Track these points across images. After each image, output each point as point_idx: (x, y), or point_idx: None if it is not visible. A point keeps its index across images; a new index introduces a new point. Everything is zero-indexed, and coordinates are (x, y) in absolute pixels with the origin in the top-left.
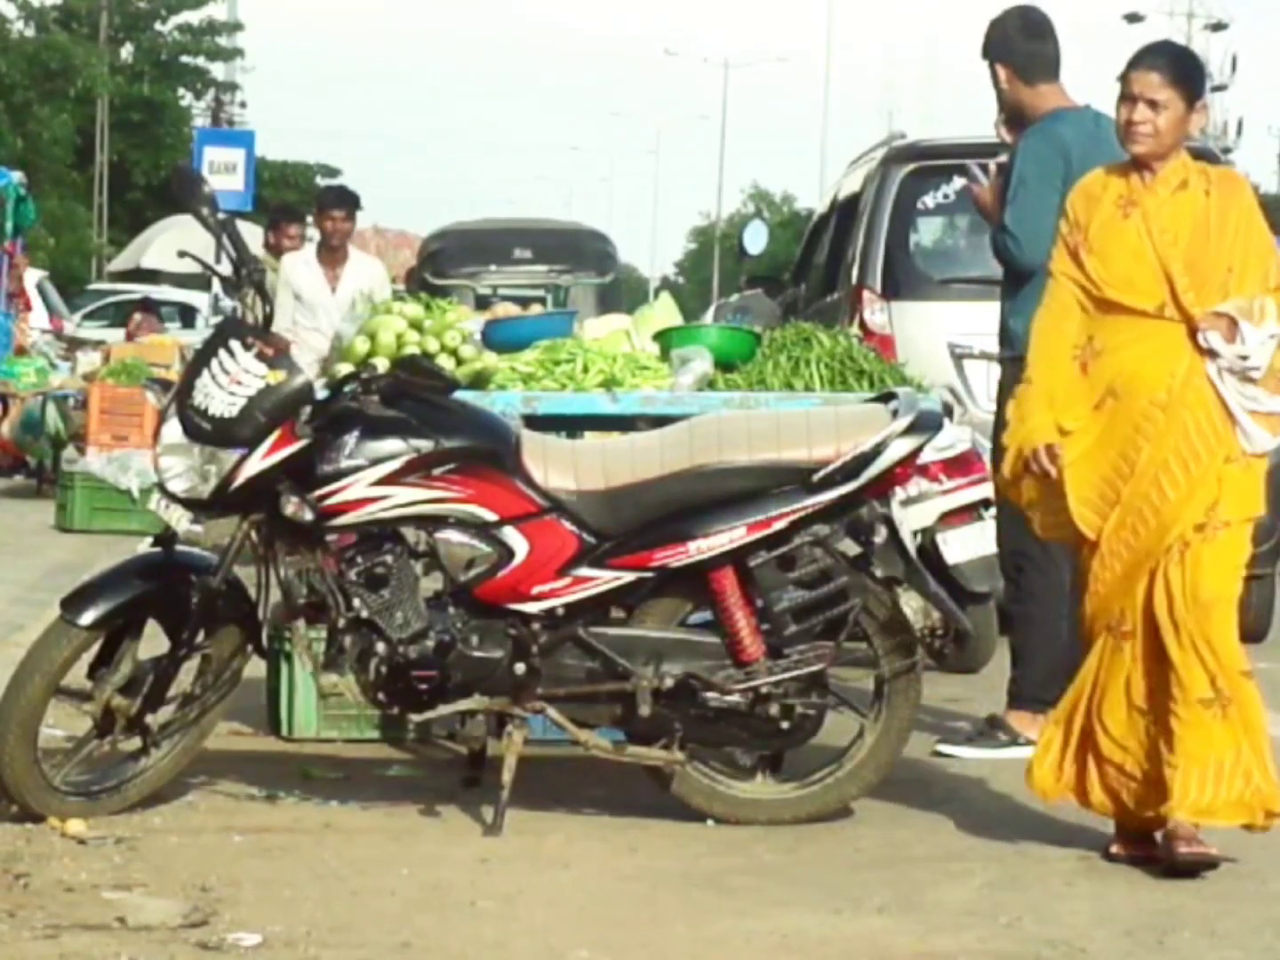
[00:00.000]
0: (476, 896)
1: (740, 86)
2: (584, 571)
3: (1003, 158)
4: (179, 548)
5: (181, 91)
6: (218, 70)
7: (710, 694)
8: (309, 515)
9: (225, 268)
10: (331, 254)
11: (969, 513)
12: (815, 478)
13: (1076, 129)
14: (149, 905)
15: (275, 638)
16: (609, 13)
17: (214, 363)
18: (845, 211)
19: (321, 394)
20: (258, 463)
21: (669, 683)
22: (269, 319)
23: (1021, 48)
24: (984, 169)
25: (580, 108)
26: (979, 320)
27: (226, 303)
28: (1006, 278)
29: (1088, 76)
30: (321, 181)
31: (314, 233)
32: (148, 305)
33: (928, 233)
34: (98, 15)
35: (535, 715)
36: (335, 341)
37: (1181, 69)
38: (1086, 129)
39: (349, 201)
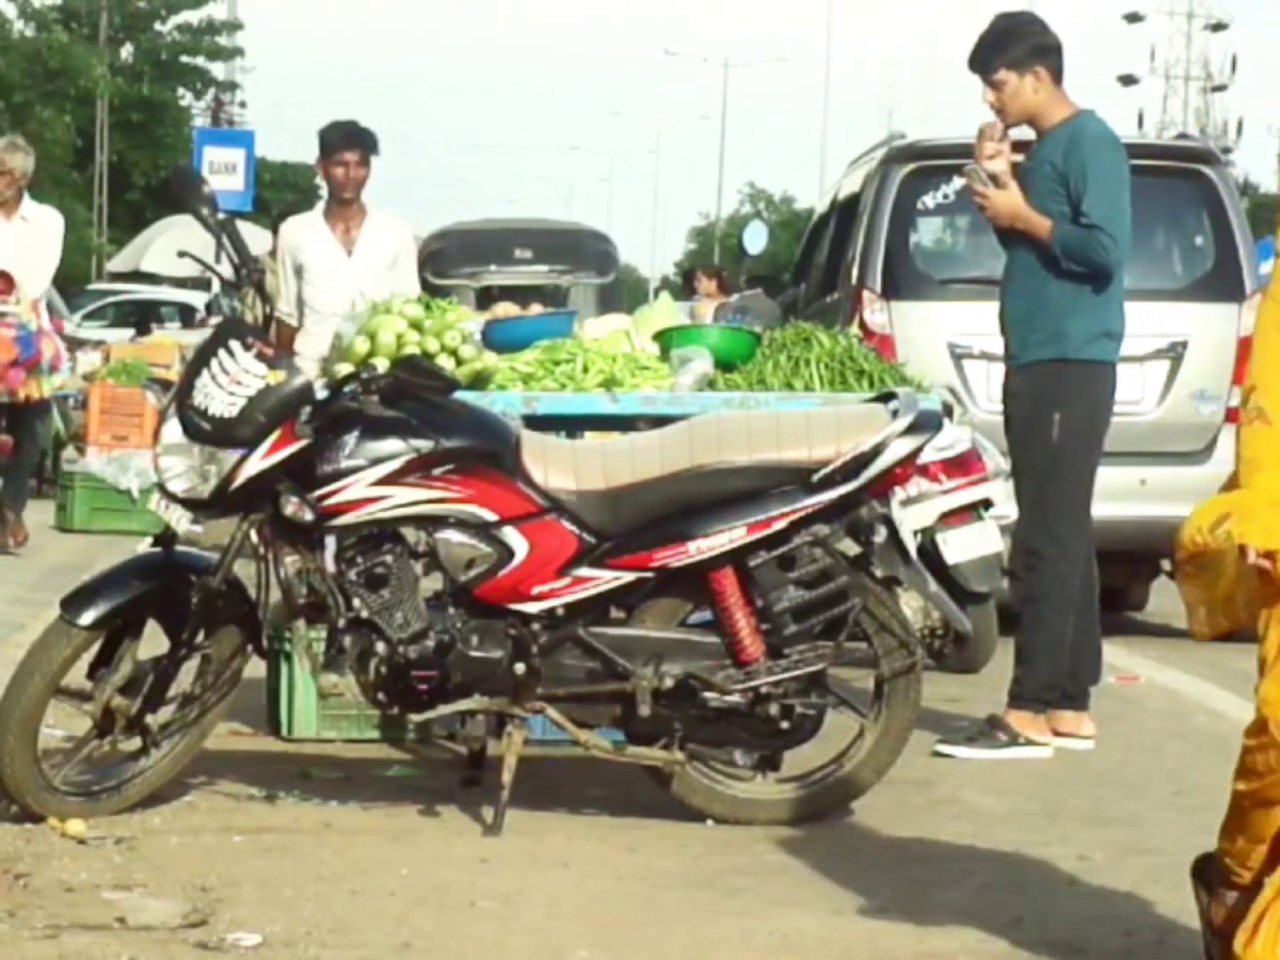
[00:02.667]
0: (476, 896)
1: (740, 86)
2: (584, 571)
3: (1005, 160)
4: (179, 548)
5: (181, 91)
6: (217, 70)
7: (710, 694)
8: (309, 515)
9: (225, 268)
10: (344, 210)
11: (969, 513)
12: (815, 478)
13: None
14: (149, 905)
15: (275, 638)
16: (609, 12)
17: (214, 363)
18: (845, 211)
19: (321, 394)
20: (258, 463)
21: (669, 683)
22: (269, 319)
23: (1058, 46)
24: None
25: (580, 108)
26: (979, 320)
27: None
28: (1063, 276)
29: (1088, 76)
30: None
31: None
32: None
33: (928, 233)
34: (98, 15)
35: (535, 715)
36: (335, 341)
37: None
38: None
39: (364, 142)
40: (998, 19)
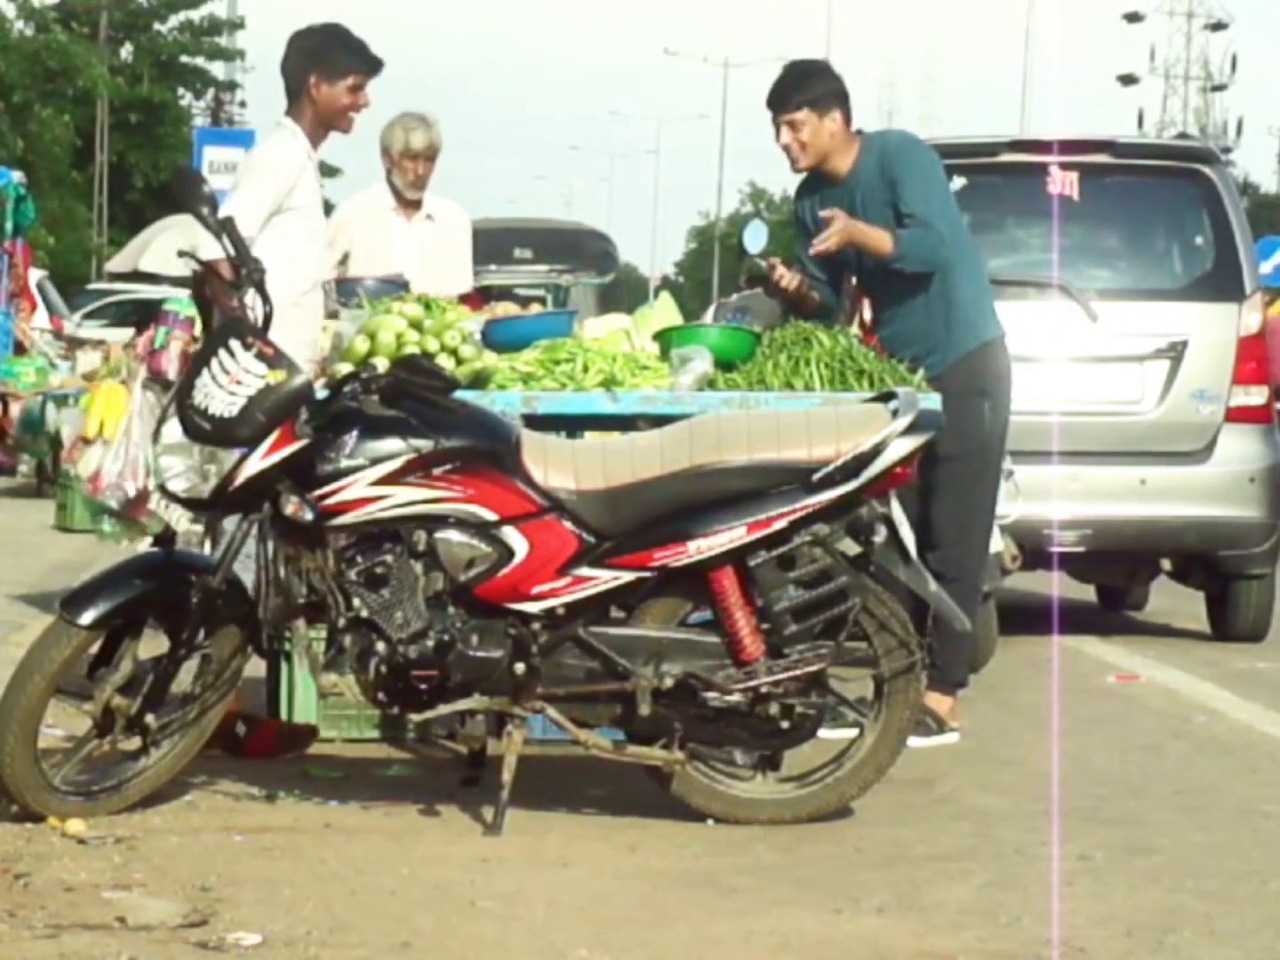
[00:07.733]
0: (476, 896)
1: (740, 86)
2: (584, 571)
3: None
4: (179, 548)
5: (181, 91)
6: (217, 70)
7: (710, 694)
8: (309, 515)
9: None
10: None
11: None
12: (815, 477)
13: None
14: (149, 905)
15: (275, 638)
16: (609, 12)
17: (214, 362)
18: None
19: (321, 394)
20: (258, 463)
21: (669, 682)
22: (269, 319)
23: (845, 91)
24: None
25: (580, 108)
26: None
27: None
28: (899, 281)
29: (1088, 76)
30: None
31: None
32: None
33: None
34: (98, 15)
35: (535, 715)
36: (335, 341)
37: None
38: None
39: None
40: (794, 63)
